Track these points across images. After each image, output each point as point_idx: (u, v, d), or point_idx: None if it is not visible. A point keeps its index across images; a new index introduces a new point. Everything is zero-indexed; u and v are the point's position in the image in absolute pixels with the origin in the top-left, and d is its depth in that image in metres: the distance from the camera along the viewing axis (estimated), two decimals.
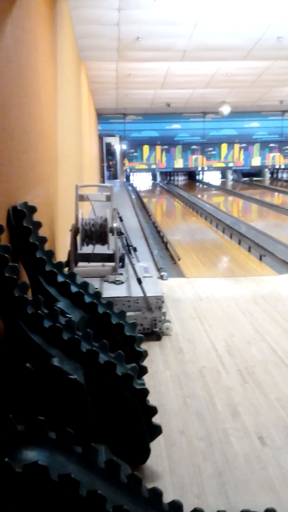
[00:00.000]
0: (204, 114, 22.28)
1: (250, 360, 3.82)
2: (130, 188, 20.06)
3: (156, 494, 1.84)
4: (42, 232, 3.05)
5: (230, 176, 23.77)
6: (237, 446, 2.71)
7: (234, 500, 2.29)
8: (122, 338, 2.94)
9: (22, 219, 2.80)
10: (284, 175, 24.05)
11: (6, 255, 2.19)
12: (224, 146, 23.19)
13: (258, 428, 2.88)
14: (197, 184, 22.83)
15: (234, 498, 2.30)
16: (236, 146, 23.20)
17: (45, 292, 2.83)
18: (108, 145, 23.07)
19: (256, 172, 23.81)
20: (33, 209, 2.98)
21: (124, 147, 22.67)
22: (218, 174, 23.98)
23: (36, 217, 3.02)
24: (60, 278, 2.94)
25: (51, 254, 2.99)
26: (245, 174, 23.75)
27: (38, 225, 2.97)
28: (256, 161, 23.55)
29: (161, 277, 6.11)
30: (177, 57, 9.56)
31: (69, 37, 6.77)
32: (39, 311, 2.27)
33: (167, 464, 2.55)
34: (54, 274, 2.92)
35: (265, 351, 3.97)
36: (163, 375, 3.58)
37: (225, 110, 17.27)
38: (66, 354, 2.27)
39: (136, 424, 2.41)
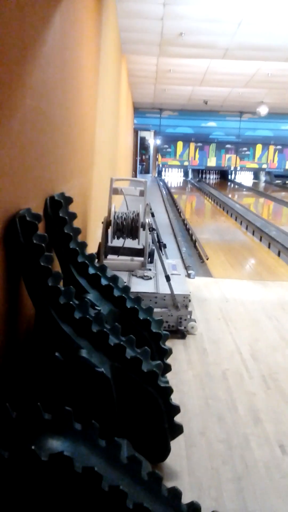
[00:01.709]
0: (241, 114, 22.05)
1: (274, 366, 3.78)
2: (161, 183, 20.02)
3: (176, 494, 1.84)
4: (75, 223, 3.07)
5: (262, 178, 23.49)
6: (257, 452, 2.68)
7: (252, 507, 2.27)
8: (148, 334, 2.94)
9: (59, 209, 2.82)
10: None
11: (43, 245, 2.21)
12: (258, 147, 22.92)
13: (280, 436, 2.85)
14: (229, 183, 22.65)
15: (252, 504, 2.29)
16: (271, 148, 22.91)
17: (76, 283, 2.85)
18: (143, 139, 23.09)
19: None
20: (69, 200, 3.00)
21: (158, 142, 22.63)
22: (250, 175, 23.74)
23: (71, 208, 3.05)
24: (91, 270, 2.96)
25: (84, 245, 3.01)
26: (278, 176, 23.42)
27: (73, 216, 2.99)
28: None
29: (189, 276, 6.09)
30: (218, 55, 9.47)
31: (113, 30, 6.78)
32: (71, 302, 2.29)
33: (186, 465, 2.55)
34: (86, 266, 2.93)
35: None
36: (186, 375, 3.57)
37: (263, 110, 17.05)
38: (94, 346, 2.28)
39: (158, 421, 2.41)
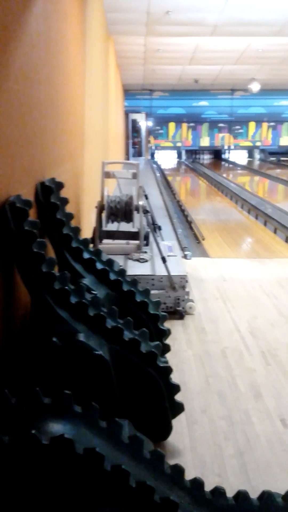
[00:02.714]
0: (233, 91, 21.82)
1: (273, 342, 3.80)
2: (154, 166, 19.91)
3: (178, 471, 1.86)
4: (68, 208, 3.05)
5: (257, 156, 23.36)
6: (258, 427, 2.71)
7: (255, 481, 2.30)
8: (146, 316, 2.95)
9: (50, 195, 2.80)
10: None
11: (35, 231, 2.20)
12: (252, 125, 22.73)
13: (280, 410, 2.88)
14: (223, 163, 22.53)
15: (255, 478, 2.32)
16: (265, 125, 22.72)
17: (71, 268, 2.84)
18: (134, 122, 22.86)
19: (284, 152, 23.31)
20: (60, 185, 2.98)
21: (150, 124, 22.43)
22: (244, 153, 23.58)
23: (63, 193, 3.03)
24: (86, 255, 2.95)
25: (77, 230, 2.99)
26: (273, 153, 23.29)
27: (65, 201, 2.98)
28: (284, 141, 23.03)
29: (185, 257, 6.09)
30: (207, 32, 9.33)
31: (98, 11, 6.66)
32: (66, 287, 2.29)
33: (188, 442, 2.58)
34: (80, 251, 2.93)
35: None
36: (185, 354, 3.59)
37: (255, 87, 16.88)
38: (91, 330, 2.29)
39: (158, 401, 2.43)
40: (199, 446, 2.55)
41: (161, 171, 18.07)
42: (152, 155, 22.84)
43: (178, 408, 2.53)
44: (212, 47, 11.39)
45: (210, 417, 2.81)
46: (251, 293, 4.95)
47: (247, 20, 8.39)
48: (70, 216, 2.98)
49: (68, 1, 3.91)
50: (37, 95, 2.77)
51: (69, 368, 2.17)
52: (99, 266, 2.99)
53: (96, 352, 2.18)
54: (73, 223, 3.09)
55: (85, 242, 3.04)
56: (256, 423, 2.74)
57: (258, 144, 23.03)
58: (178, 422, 2.63)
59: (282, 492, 1.89)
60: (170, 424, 2.51)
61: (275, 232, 7.86)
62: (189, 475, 1.94)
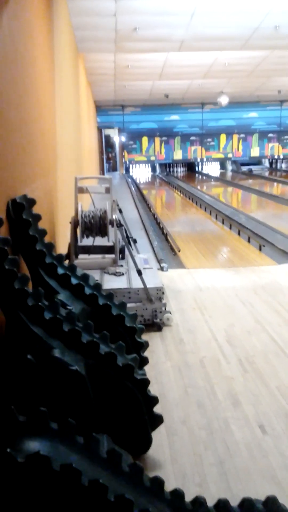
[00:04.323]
0: (203, 105, 22.18)
1: (250, 350, 3.84)
2: (129, 180, 20.02)
3: (158, 483, 1.86)
4: (42, 224, 3.05)
5: (229, 167, 23.71)
6: (238, 435, 2.73)
7: (236, 488, 2.31)
8: (123, 329, 2.95)
9: (22, 211, 2.80)
10: (283, 165, 23.98)
11: (6, 248, 2.19)
12: (223, 137, 23.11)
13: (259, 417, 2.90)
14: (197, 175, 22.78)
15: (236, 486, 2.33)
16: (235, 137, 23.13)
17: (46, 284, 2.83)
18: (107, 137, 23.00)
19: (255, 163, 23.73)
20: (32, 202, 2.98)
21: (123, 139, 22.59)
22: (217, 165, 23.91)
23: (36, 209, 3.03)
24: (60, 270, 2.95)
25: (51, 246, 3.00)
26: (244, 164, 23.68)
27: (37, 217, 2.98)
28: (255, 152, 23.48)
29: (161, 269, 6.12)
30: (174, 48, 9.50)
31: (66, 28, 6.73)
32: (40, 303, 2.28)
33: (169, 454, 2.57)
34: (54, 267, 2.92)
35: (265, 341, 3.99)
36: (164, 366, 3.60)
37: (224, 100, 17.17)
38: (67, 345, 2.28)
39: (137, 414, 2.42)
40: (179, 457, 2.55)
41: (136, 185, 18.17)
42: (127, 169, 22.97)
43: (157, 420, 2.53)
44: (180, 62, 11.59)
45: (189, 427, 2.82)
46: (227, 302, 5.00)
47: (212, 35, 8.58)
48: (43, 232, 2.98)
49: (35, 20, 3.95)
50: (6, 113, 2.78)
51: (45, 384, 2.16)
52: (74, 281, 2.99)
53: (72, 368, 2.18)
54: (47, 239, 3.10)
55: (59, 257, 3.04)
56: (235, 431, 2.76)
57: (229, 155, 23.40)
58: (158, 434, 2.63)
59: (263, 498, 1.90)
60: (150, 437, 2.51)
61: (248, 241, 7.96)
62: (170, 486, 1.94)
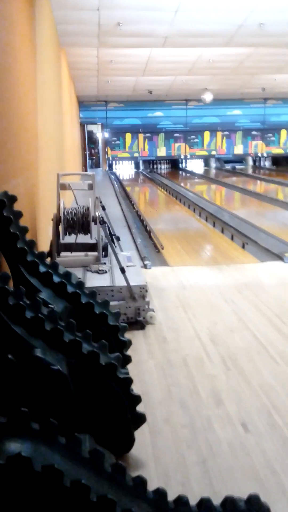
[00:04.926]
0: (187, 102, 22.18)
1: (233, 348, 3.85)
2: (113, 176, 19.94)
3: (141, 482, 1.85)
4: (23, 222, 3.01)
5: (213, 164, 23.77)
6: (220, 433, 2.73)
7: (218, 487, 2.31)
8: (106, 327, 2.94)
9: (2, 208, 2.76)
10: (267, 163, 24.14)
11: None
12: (206, 134, 23.14)
13: (241, 415, 2.91)
14: (180, 172, 22.80)
15: (218, 485, 2.33)
16: (219, 134, 23.17)
17: (27, 283, 2.80)
18: (90, 133, 22.86)
19: (238, 160, 23.83)
20: (13, 199, 2.94)
21: (106, 135, 22.48)
22: (201, 162, 23.95)
23: (17, 206, 2.98)
24: (42, 269, 2.92)
25: (32, 244, 2.96)
26: (228, 162, 23.77)
27: (18, 214, 2.93)
28: (238, 149, 23.57)
29: (145, 266, 6.11)
30: (158, 43, 9.47)
31: (48, 22, 6.65)
32: (21, 302, 2.25)
33: (152, 452, 2.57)
34: (36, 264, 2.89)
35: (248, 339, 4.00)
36: (147, 364, 3.59)
37: (208, 97, 17.22)
38: (48, 344, 2.26)
39: (120, 413, 2.41)
40: (162, 456, 2.54)
41: (120, 182, 18.11)
42: (110, 166, 22.88)
43: (140, 419, 2.52)
44: (164, 58, 11.56)
45: (172, 426, 2.81)
46: (210, 300, 5.01)
47: (196, 31, 8.56)
48: (24, 230, 2.94)
49: (15, 12, 3.88)
50: None
51: (27, 384, 2.13)
52: (56, 279, 2.96)
53: (54, 367, 2.15)
54: (28, 236, 3.06)
55: (41, 255, 3.01)
56: (218, 429, 2.76)
57: (213, 153, 23.45)
58: (140, 433, 2.61)
59: (245, 497, 1.91)
60: (132, 436, 2.49)
61: (232, 238, 7.99)
62: (152, 486, 1.93)
